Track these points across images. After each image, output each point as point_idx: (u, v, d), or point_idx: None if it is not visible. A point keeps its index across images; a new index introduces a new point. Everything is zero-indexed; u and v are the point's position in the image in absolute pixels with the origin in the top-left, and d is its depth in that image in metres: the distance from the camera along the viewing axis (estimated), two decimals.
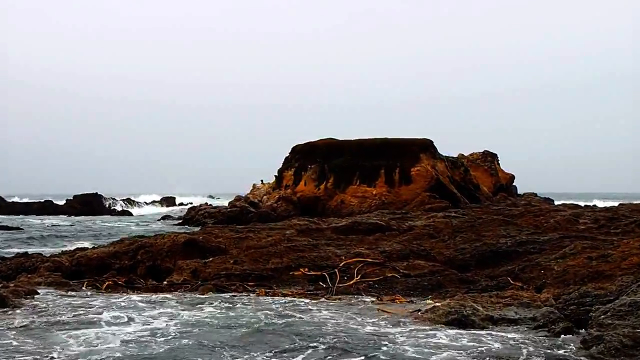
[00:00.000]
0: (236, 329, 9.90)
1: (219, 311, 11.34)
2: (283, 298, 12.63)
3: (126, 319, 10.64)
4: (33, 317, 10.71)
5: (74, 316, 10.87)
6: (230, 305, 11.97)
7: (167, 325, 10.18)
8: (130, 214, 69.11)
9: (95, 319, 10.62)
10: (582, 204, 41.55)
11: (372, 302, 12.29)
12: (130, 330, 9.89)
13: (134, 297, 13.04)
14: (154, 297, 13.01)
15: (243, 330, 9.80)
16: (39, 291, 13.08)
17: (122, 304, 12.13)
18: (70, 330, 9.82)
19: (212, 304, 12.08)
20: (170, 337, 9.41)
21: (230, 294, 13.25)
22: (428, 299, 12.49)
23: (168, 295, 13.15)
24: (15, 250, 23.68)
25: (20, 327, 10.05)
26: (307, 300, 12.40)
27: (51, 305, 11.82)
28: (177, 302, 12.34)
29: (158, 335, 9.53)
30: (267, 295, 12.85)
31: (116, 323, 10.34)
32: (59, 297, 12.87)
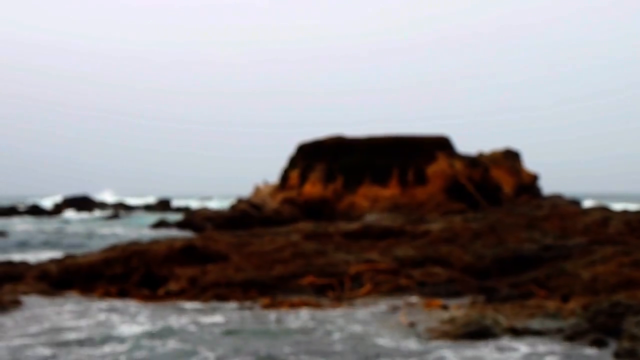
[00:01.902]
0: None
1: (218, 328, 11.33)
2: (290, 309, 12.54)
3: (98, 334, 10.61)
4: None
5: (45, 328, 10.91)
6: (231, 319, 11.97)
7: (147, 343, 10.10)
8: (121, 217, 69.23)
9: (64, 330, 10.62)
10: (612, 206, 41.49)
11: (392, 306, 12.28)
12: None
13: (119, 305, 13.05)
14: (144, 307, 13.01)
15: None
16: (24, 301, 13.11)
17: (101, 317, 12.10)
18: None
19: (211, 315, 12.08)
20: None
21: (232, 303, 13.25)
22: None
23: (166, 304, 13.16)
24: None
25: None
26: (321, 311, 12.34)
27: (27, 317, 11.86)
28: (176, 313, 12.37)
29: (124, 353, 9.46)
30: (272, 306, 12.79)
31: (86, 338, 10.27)
32: (41, 307, 12.88)
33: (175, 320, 11.48)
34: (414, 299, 13.20)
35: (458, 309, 11.92)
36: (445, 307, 12.26)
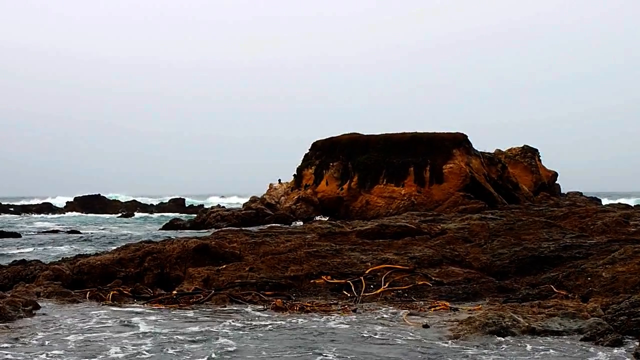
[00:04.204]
0: None
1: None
2: (305, 314, 12.41)
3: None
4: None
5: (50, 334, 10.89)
6: (251, 322, 11.97)
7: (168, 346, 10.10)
8: (134, 217, 69.50)
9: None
10: (632, 203, 41.30)
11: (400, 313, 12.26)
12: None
13: (133, 309, 13.02)
14: (160, 311, 13.01)
15: None
16: (37, 302, 13.11)
17: (117, 322, 12.10)
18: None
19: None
20: None
21: (247, 305, 13.23)
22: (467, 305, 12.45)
23: (181, 308, 13.16)
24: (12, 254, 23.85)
25: None
26: (336, 317, 12.23)
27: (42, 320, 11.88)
28: (194, 322, 12.38)
29: None
30: (284, 308, 12.65)
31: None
32: (55, 309, 12.88)
33: (192, 325, 11.48)
34: (421, 302, 13.11)
35: (468, 312, 11.86)
36: (455, 310, 12.22)
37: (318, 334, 10.51)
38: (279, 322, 11.44)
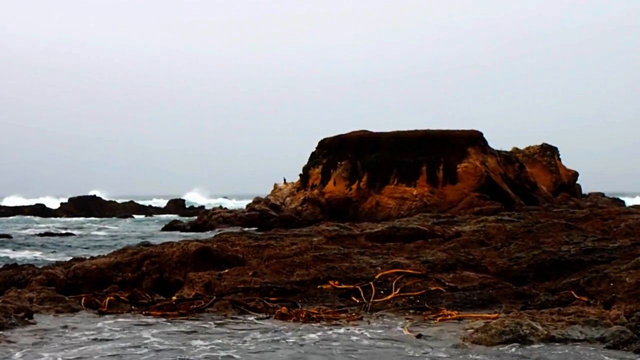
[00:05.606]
0: None
1: None
2: (307, 319, 12.31)
3: None
4: None
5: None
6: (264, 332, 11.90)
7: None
8: (132, 218, 69.58)
9: None
10: None
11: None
12: None
13: (134, 318, 12.92)
14: (162, 321, 12.96)
15: None
16: (30, 309, 13.09)
17: (113, 331, 12.05)
18: None
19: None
20: None
21: (255, 313, 13.17)
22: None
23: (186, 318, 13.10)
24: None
25: None
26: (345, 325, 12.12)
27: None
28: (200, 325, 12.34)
29: None
30: (289, 315, 12.53)
31: None
32: (48, 317, 12.82)
33: (195, 338, 11.35)
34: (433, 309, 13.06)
35: (474, 320, 11.77)
36: (459, 319, 12.11)
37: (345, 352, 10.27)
38: (291, 334, 11.26)
